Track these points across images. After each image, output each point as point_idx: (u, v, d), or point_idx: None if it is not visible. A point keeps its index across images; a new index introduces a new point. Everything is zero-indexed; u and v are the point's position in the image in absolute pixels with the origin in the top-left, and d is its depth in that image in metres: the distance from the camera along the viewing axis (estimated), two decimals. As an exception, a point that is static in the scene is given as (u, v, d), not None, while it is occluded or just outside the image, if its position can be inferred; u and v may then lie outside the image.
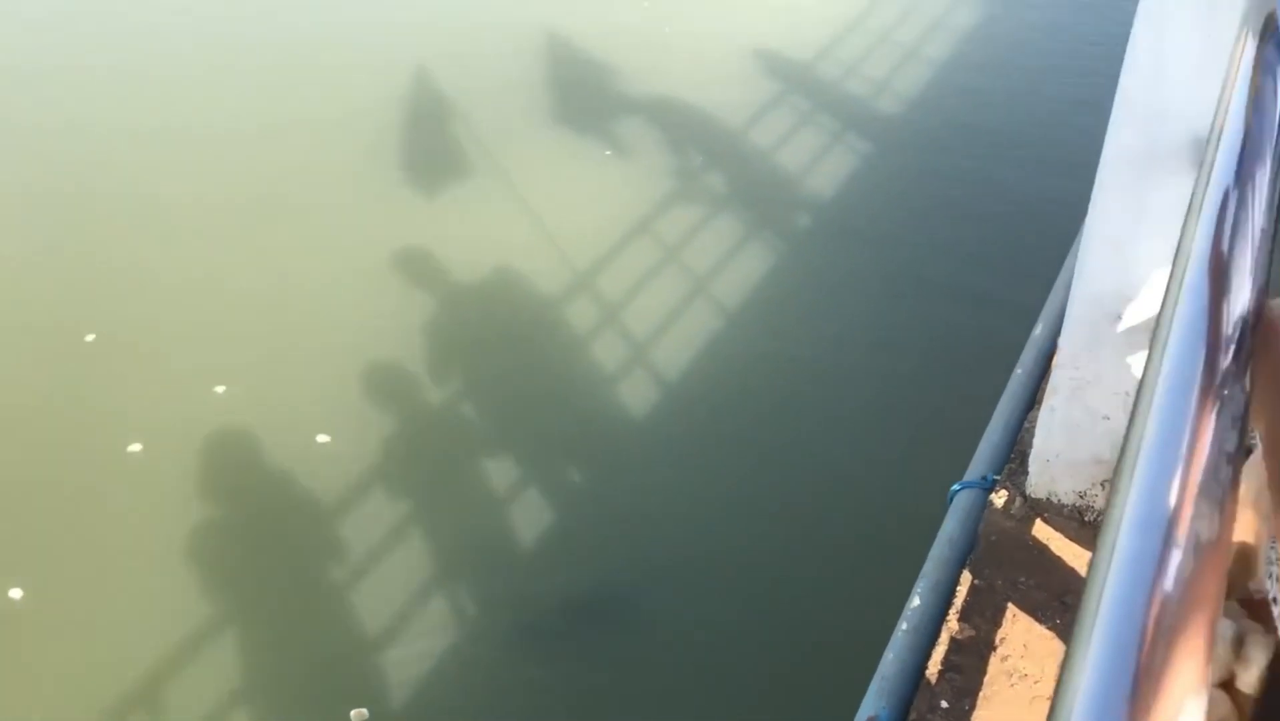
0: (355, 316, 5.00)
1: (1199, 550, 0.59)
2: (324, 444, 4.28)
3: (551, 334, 5.03)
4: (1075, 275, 1.67)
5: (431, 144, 6.37)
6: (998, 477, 1.99)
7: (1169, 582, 0.56)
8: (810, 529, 3.99)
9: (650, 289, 5.28)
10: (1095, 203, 1.60)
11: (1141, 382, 0.76)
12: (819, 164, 6.30)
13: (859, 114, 6.85)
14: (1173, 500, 0.61)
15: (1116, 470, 0.66)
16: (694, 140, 6.47)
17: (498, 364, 4.81)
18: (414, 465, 4.28)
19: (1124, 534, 0.58)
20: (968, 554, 1.86)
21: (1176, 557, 0.57)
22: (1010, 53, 7.48)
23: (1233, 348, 0.78)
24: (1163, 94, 1.42)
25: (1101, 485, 1.98)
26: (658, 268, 5.41)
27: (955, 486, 2.00)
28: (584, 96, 6.86)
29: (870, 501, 4.07)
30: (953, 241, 5.55)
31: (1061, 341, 1.82)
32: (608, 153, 6.30)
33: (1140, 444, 0.66)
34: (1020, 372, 2.24)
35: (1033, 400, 2.15)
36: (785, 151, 6.40)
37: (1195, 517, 0.61)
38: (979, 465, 2.03)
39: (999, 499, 1.95)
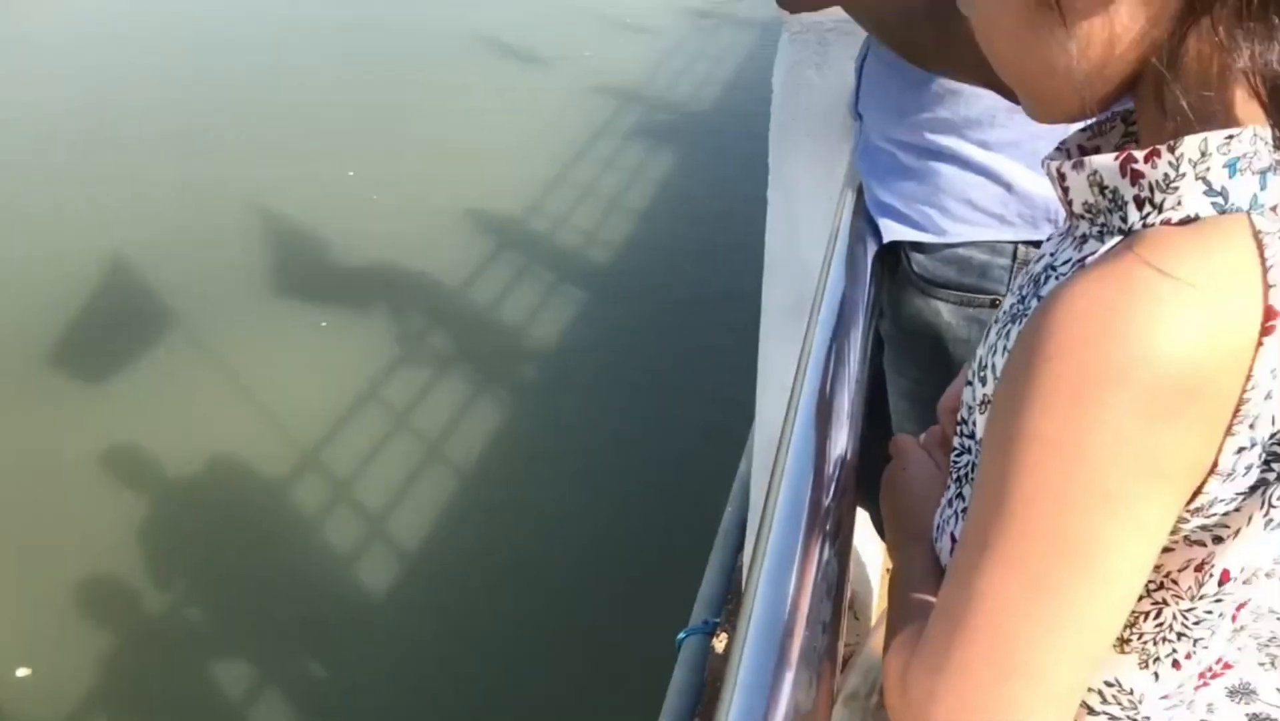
0: (55, 533, 4.63)
1: (810, 664, 0.65)
2: (24, 677, 3.90)
3: (282, 518, 4.83)
4: (755, 418, 1.79)
5: (130, 333, 6.08)
6: (718, 621, 2.05)
7: (784, 695, 0.62)
8: (556, 679, 3.96)
9: (382, 458, 5.19)
10: (762, 351, 1.73)
11: (761, 519, 0.82)
12: (539, 315, 6.44)
13: (573, 265, 7.08)
14: (785, 618, 0.67)
15: (741, 598, 0.72)
16: (413, 304, 6.49)
17: (226, 557, 4.56)
18: (133, 687, 3.96)
19: (744, 667, 0.64)
20: (696, 703, 1.89)
21: (788, 677, 0.63)
22: (709, 199, 7.97)
23: (833, 485, 0.86)
24: (800, 252, 1.56)
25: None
26: (388, 436, 5.34)
27: (680, 634, 2.05)
28: (295, 270, 6.77)
29: (611, 648, 4.08)
30: (674, 379, 5.77)
31: (753, 478, 1.93)
32: (324, 324, 6.22)
33: (757, 577, 0.72)
34: (731, 510, 2.34)
35: (743, 536, 2.25)
36: (505, 306, 6.52)
37: (806, 640, 0.66)
38: (701, 608, 2.09)
39: (720, 642, 2.01)
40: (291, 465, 5.09)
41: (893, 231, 1.13)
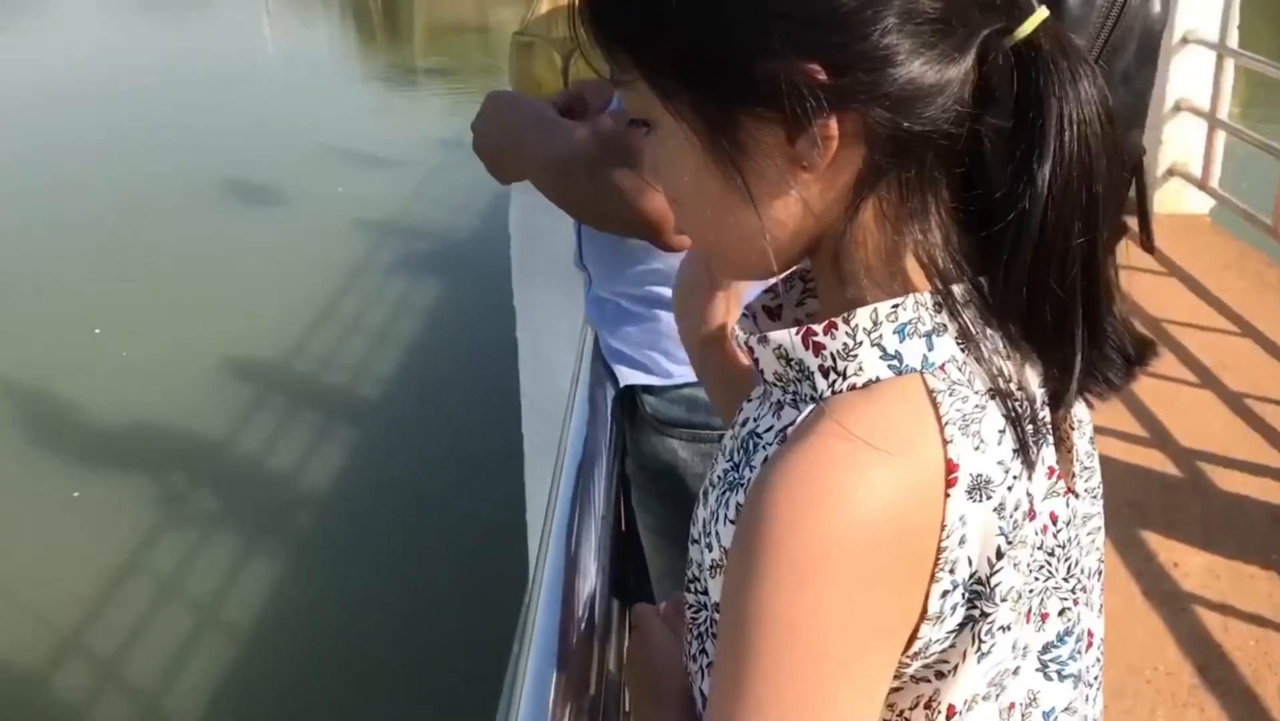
0: None
1: None
2: None
3: (41, 712, 4.44)
4: (529, 551, 1.81)
5: None
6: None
7: None
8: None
9: (152, 632, 4.86)
10: (528, 487, 1.75)
11: (510, 685, 0.84)
12: (310, 459, 6.25)
13: (342, 402, 6.93)
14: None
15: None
16: (174, 463, 6.18)
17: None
18: None
19: None
20: None
21: None
22: (477, 327, 7.99)
23: (581, 626, 0.88)
24: (552, 390, 1.60)
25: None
26: (156, 606, 5.01)
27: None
28: (43, 440, 6.35)
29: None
30: (450, 517, 5.68)
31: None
32: (76, 494, 5.82)
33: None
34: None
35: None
36: (274, 453, 6.29)
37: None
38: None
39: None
40: (50, 652, 4.70)
41: (625, 376, 1.19)
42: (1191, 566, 2.51)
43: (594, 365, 1.23)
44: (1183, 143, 4.75)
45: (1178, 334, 3.66)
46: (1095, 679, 0.74)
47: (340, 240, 9.50)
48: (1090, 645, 0.72)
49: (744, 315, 0.73)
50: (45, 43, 23.51)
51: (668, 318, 1.12)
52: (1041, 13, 0.59)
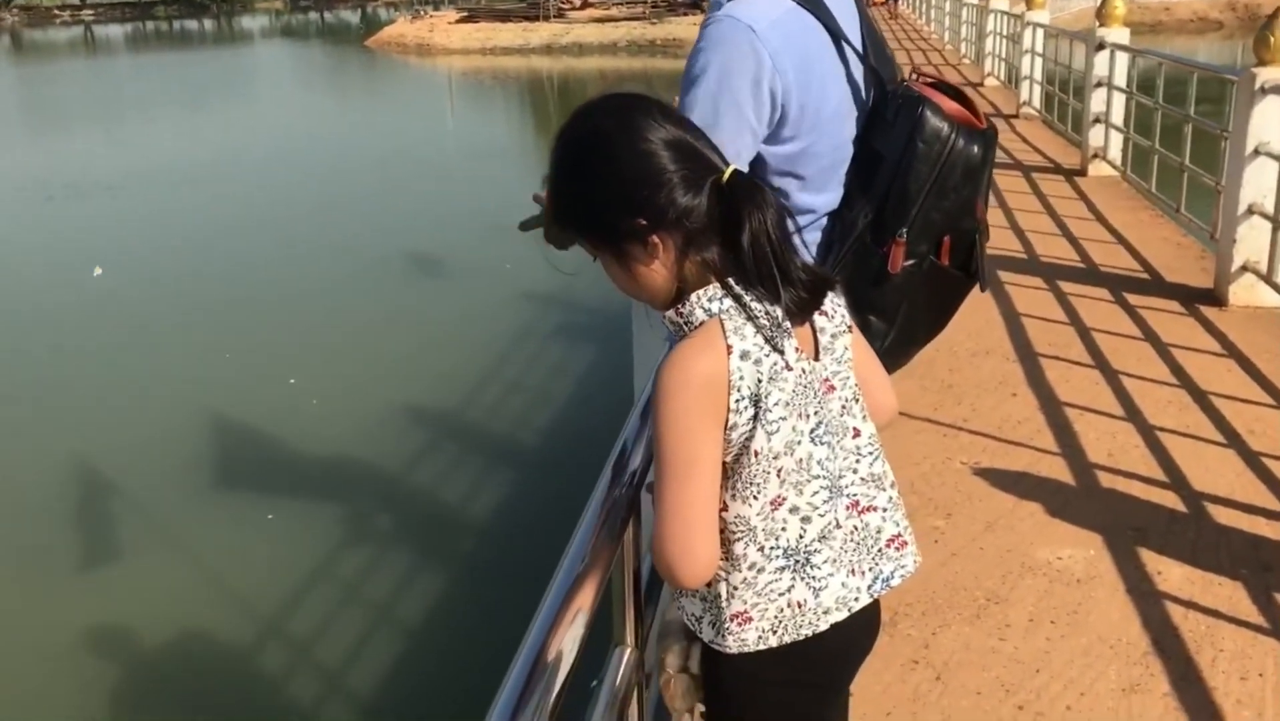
0: (43, 701, 5.13)
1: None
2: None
3: (246, 683, 5.37)
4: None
5: (98, 530, 6.68)
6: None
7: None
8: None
9: (337, 625, 5.76)
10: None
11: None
12: (476, 495, 7.16)
13: (502, 448, 7.86)
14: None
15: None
16: (353, 495, 7.18)
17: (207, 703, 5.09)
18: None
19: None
20: None
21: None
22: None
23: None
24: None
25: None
26: (340, 606, 5.93)
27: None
28: (241, 475, 7.45)
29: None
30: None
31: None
32: (271, 516, 6.86)
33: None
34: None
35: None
36: (444, 488, 7.23)
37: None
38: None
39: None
40: (253, 635, 5.66)
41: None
42: (1172, 574, 3.08)
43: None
44: (1254, 242, 5.28)
45: (1221, 405, 4.21)
46: (868, 447, 1.48)
47: (506, 311, 10.59)
48: (859, 434, 1.48)
49: (664, 316, 1.52)
50: (251, 123, 26.04)
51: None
52: (733, 167, 1.38)
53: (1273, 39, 5.09)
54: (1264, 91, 5.15)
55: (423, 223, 14.83)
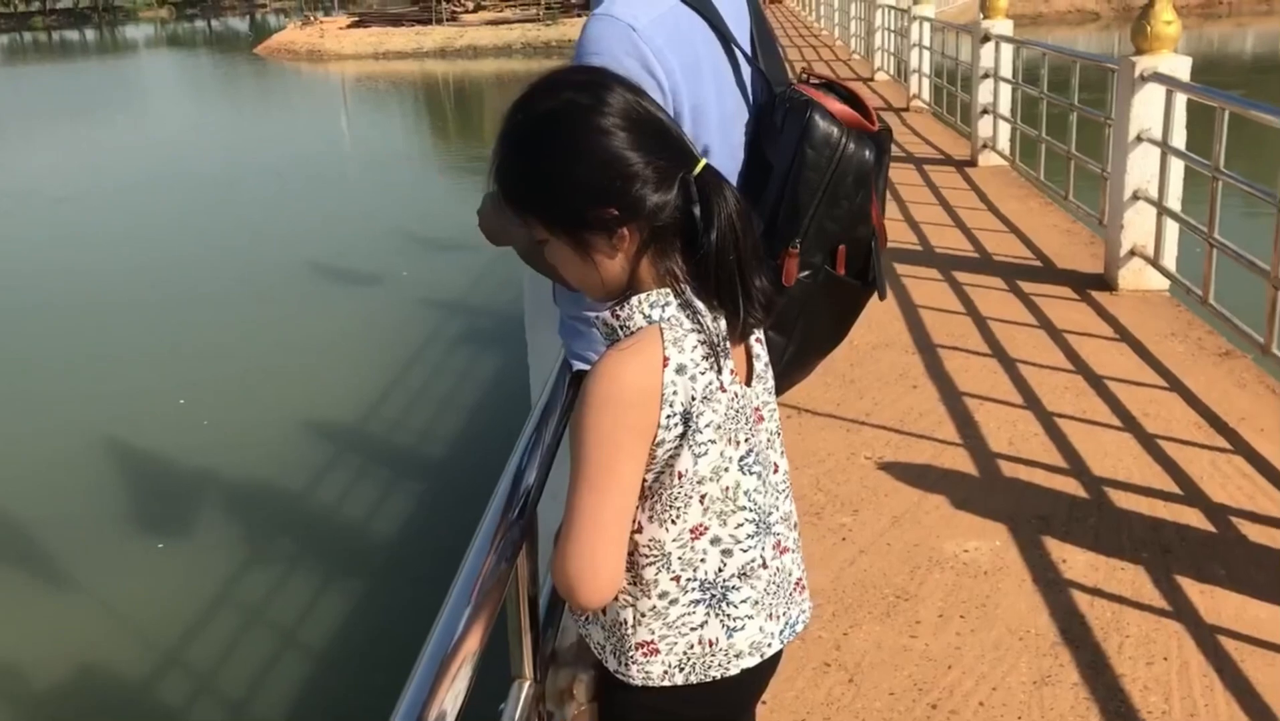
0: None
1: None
2: None
3: (145, 715, 5.16)
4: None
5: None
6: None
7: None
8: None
9: (232, 658, 5.55)
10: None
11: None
12: (378, 513, 6.99)
13: (404, 461, 7.69)
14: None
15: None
16: (254, 512, 6.96)
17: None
18: None
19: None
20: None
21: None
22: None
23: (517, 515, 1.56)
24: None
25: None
26: (234, 637, 5.71)
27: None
28: (137, 497, 7.17)
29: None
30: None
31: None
32: (161, 546, 6.61)
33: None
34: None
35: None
36: (344, 506, 7.04)
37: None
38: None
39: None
40: (152, 666, 5.43)
41: (577, 366, 1.88)
42: (1077, 561, 3.11)
43: (562, 364, 1.95)
44: (1140, 227, 5.40)
45: (1115, 389, 4.28)
46: (771, 488, 1.41)
47: (410, 317, 10.40)
48: (777, 470, 1.40)
49: (595, 316, 1.43)
50: (138, 135, 25.25)
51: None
52: (704, 161, 1.30)
53: (1149, 28, 5.21)
54: (1143, 79, 5.27)
55: (318, 232, 14.50)
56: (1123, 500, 3.44)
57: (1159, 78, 5.19)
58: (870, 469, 3.76)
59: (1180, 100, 5.15)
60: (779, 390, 1.90)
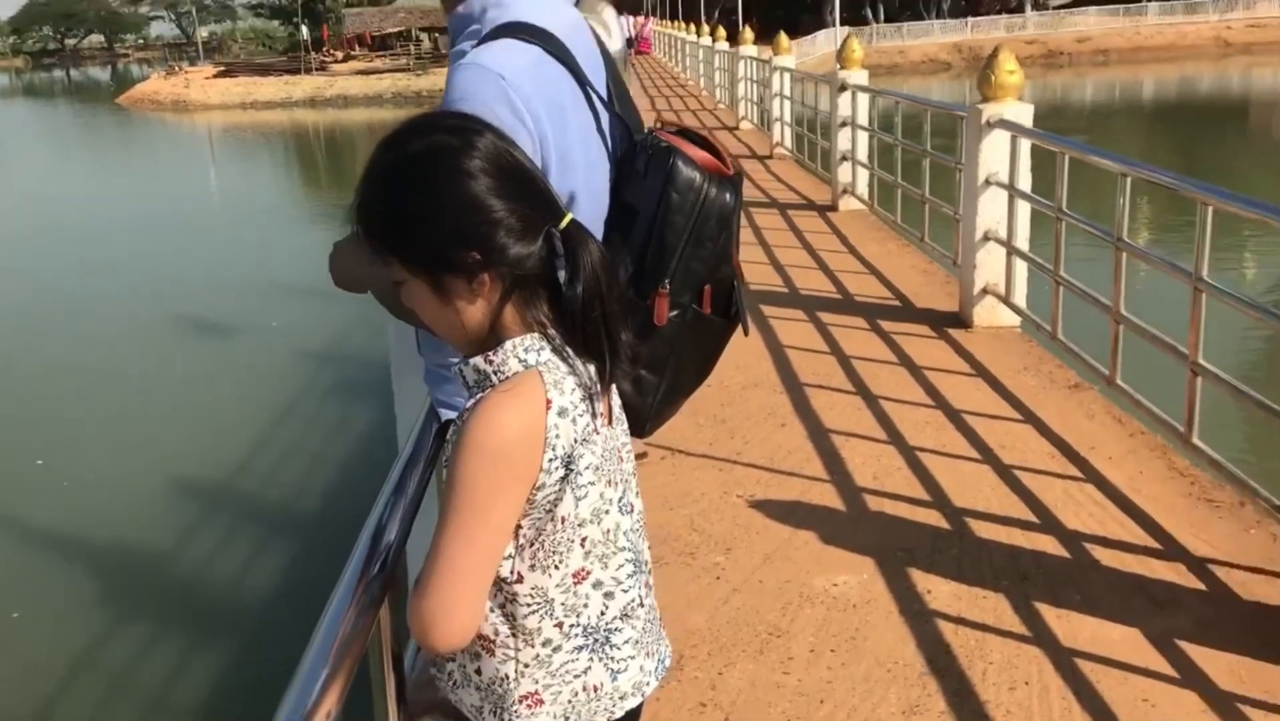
0: None
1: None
2: None
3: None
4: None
5: None
6: None
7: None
8: None
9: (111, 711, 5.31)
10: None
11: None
12: (251, 566, 6.77)
13: (273, 516, 7.48)
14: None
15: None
16: (118, 576, 6.67)
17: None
18: None
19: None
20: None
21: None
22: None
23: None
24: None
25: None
26: (104, 699, 5.47)
27: None
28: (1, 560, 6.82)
29: None
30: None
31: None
32: (16, 615, 6.28)
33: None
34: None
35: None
36: (213, 565, 6.80)
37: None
38: None
39: None
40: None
41: (444, 415, 1.87)
42: (941, 592, 3.20)
43: (428, 413, 1.94)
44: (992, 266, 5.64)
45: (973, 422, 4.44)
46: (637, 528, 1.43)
47: (280, 368, 10.15)
48: (634, 510, 1.42)
49: (460, 362, 1.43)
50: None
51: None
52: (569, 215, 1.32)
53: (993, 77, 5.47)
54: (989, 126, 5.52)
55: (186, 285, 14.10)
56: (983, 530, 3.56)
57: (1004, 124, 5.45)
58: (742, 507, 3.81)
59: (1025, 145, 5.41)
60: (651, 429, 1.93)
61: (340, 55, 50.95)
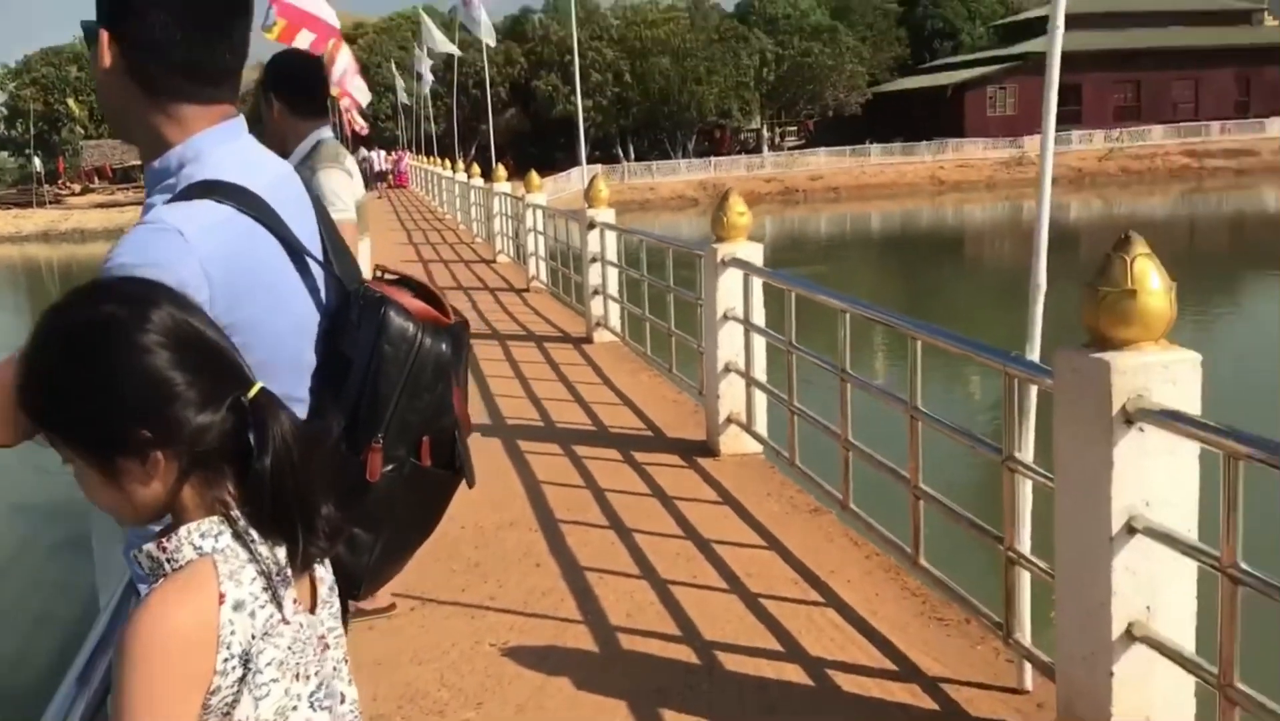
0: None
1: None
2: None
3: None
4: None
5: None
6: None
7: None
8: None
9: None
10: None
11: None
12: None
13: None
14: None
15: None
16: None
17: None
18: None
19: None
20: None
21: None
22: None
23: None
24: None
25: None
26: None
27: None
28: None
29: None
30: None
31: None
32: None
33: None
34: None
35: None
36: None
37: None
38: None
39: None
40: None
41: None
42: (690, 725, 3.22)
43: (126, 587, 1.81)
44: (734, 396, 5.87)
45: (722, 551, 4.54)
46: (351, 714, 1.36)
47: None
48: (344, 700, 1.34)
49: (135, 549, 1.33)
50: None
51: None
52: (259, 385, 1.27)
53: (725, 218, 5.77)
54: (724, 264, 5.80)
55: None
56: (732, 662, 3.60)
57: (737, 262, 5.73)
58: (495, 656, 3.71)
59: (757, 283, 5.70)
60: (368, 592, 1.85)
61: (78, 188, 48.53)
